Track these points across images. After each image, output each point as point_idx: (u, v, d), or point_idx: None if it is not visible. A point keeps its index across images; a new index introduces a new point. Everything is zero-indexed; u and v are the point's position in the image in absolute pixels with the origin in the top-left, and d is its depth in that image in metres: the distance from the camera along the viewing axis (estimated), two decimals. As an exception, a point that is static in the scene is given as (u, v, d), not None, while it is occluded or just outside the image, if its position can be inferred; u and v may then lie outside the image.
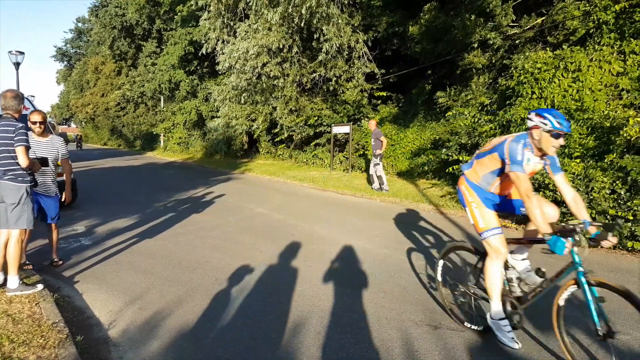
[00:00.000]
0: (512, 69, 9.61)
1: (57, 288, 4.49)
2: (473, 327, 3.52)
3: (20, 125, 4.12)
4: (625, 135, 6.12)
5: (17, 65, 16.41)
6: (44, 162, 4.57)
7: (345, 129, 15.14)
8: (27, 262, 5.09)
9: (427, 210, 8.81)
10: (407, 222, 7.81)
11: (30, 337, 3.22)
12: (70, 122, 78.61)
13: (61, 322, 3.48)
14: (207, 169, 20.42)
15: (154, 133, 36.81)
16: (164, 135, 34.61)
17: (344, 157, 16.33)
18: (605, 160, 6.15)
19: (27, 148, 4.14)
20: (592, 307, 2.73)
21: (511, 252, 3.53)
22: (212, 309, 3.96)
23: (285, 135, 18.37)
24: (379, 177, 11.16)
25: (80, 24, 57.52)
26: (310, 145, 18.24)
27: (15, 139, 4.04)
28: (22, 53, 16.62)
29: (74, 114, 63.96)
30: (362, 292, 4.37)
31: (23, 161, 4.09)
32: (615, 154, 6.10)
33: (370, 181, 11.18)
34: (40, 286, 4.24)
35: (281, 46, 15.11)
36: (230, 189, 12.50)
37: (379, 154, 11.07)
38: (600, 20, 8.70)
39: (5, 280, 4.19)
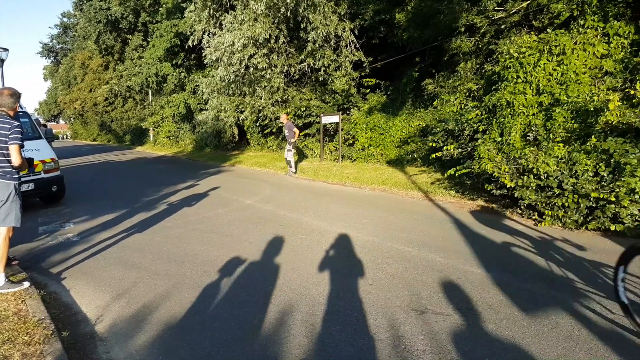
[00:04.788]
0: (498, 54, 9.61)
1: (44, 285, 4.47)
2: None
3: (17, 123, 4.16)
4: (604, 119, 6.18)
5: (1, 62, 16.15)
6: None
7: (335, 118, 15.12)
8: (13, 257, 5.08)
9: (415, 198, 8.85)
10: (396, 209, 7.85)
11: (16, 334, 3.22)
12: (58, 118, 77.76)
13: (47, 319, 3.48)
14: (197, 162, 20.33)
15: (143, 127, 36.53)
16: (153, 130, 34.33)
17: (334, 147, 16.31)
18: (589, 143, 6.20)
19: (22, 147, 4.15)
20: None
21: None
22: (200, 301, 3.97)
23: (275, 128, 18.31)
24: (289, 162, 13.06)
25: (65, 19, 56.67)
26: (300, 136, 18.18)
27: (10, 136, 4.09)
28: (6, 50, 16.34)
29: (62, 111, 63.22)
30: (349, 279, 4.41)
31: (16, 159, 4.11)
32: (595, 138, 6.15)
33: (290, 166, 13.18)
34: (26, 284, 4.24)
35: (268, 37, 15.00)
36: (220, 181, 12.47)
37: (292, 142, 12.87)
38: (584, 2, 8.71)
39: (-8, 278, 4.18)
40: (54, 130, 14.51)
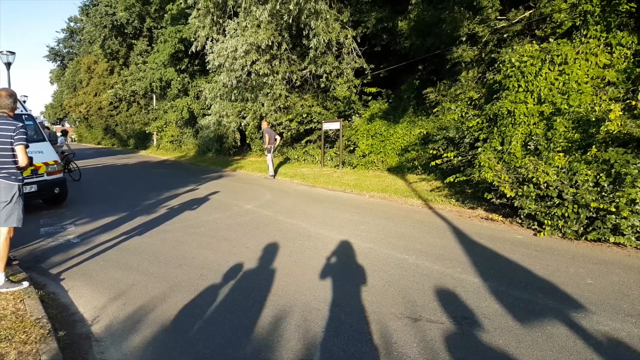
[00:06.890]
0: (500, 62, 9.64)
1: (42, 285, 4.51)
2: None
3: (20, 124, 4.24)
4: (605, 129, 6.19)
5: (8, 65, 16.33)
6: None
7: (336, 125, 15.15)
8: (14, 257, 5.12)
9: (415, 205, 8.85)
10: (395, 217, 7.85)
11: (13, 333, 3.25)
12: (64, 121, 78.25)
13: (44, 318, 3.51)
14: (199, 166, 20.41)
15: (147, 132, 36.74)
16: (156, 134, 34.51)
17: (334, 153, 16.33)
18: (589, 153, 6.20)
19: (27, 147, 4.22)
20: None
21: None
22: (195, 304, 3.98)
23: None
24: (269, 165, 14.22)
25: (72, 24, 57.25)
26: (301, 142, 18.23)
27: (15, 137, 4.17)
28: (13, 53, 16.54)
29: (67, 114, 63.62)
30: (345, 286, 4.41)
31: (22, 160, 4.18)
32: (595, 148, 6.16)
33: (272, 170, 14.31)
34: (25, 283, 4.27)
35: (270, 43, 15.11)
36: (220, 186, 12.51)
37: (267, 147, 14.09)
38: (587, 12, 8.74)
39: (-8, 277, 4.21)
40: (69, 132, 14.60)
